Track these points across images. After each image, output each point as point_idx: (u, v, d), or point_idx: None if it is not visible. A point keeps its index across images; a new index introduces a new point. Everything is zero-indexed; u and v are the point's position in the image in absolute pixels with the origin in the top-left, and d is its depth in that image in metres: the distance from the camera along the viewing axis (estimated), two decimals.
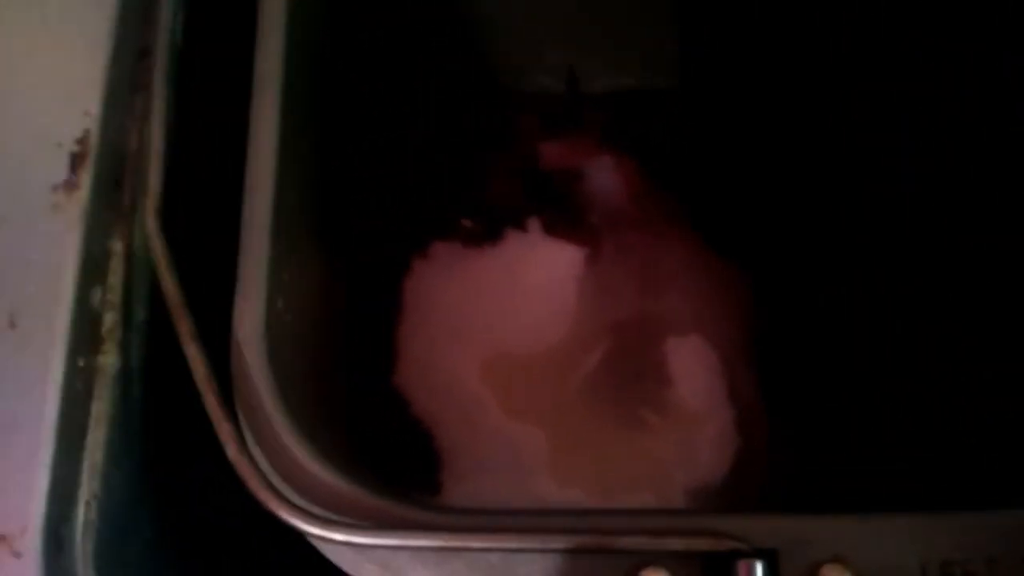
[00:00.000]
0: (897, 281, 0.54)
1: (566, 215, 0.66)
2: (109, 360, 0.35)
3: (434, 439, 0.59)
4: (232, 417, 0.34)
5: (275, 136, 0.38)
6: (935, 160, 0.51)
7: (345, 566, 0.33)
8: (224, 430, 0.33)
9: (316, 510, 0.33)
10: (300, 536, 0.33)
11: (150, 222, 0.36)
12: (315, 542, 0.33)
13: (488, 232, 0.65)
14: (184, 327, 0.34)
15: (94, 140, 0.36)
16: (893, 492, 0.49)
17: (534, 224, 0.65)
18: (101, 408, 0.34)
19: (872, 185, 0.57)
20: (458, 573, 0.33)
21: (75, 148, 0.35)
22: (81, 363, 0.34)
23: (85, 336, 0.34)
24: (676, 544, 0.33)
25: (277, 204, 0.38)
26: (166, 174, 0.38)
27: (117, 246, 0.36)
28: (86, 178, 0.35)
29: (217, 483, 0.34)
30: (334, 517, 0.33)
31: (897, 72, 0.54)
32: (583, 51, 0.67)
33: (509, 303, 0.63)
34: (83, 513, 0.33)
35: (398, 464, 0.58)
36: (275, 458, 0.34)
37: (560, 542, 0.33)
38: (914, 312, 0.53)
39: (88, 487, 0.34)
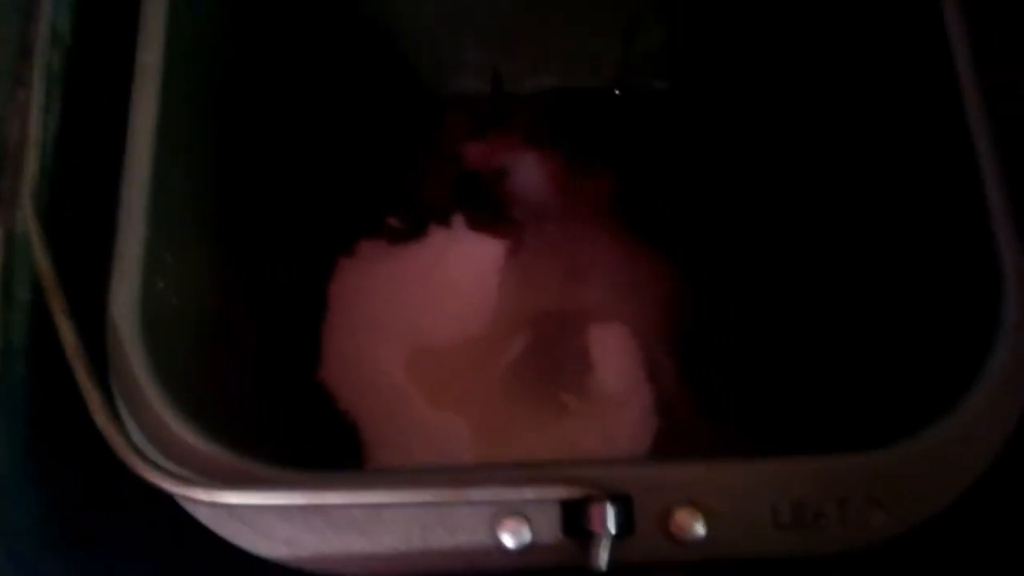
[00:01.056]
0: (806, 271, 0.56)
1: (490, 211, 0.67)
2: None
3: (359, 432, 0.60)
4: (104, 388, 0.35)
5: (153, 121, 0.40)
6: (852, 156, 0.52)
7: (214, 526, 0.34)
8: (92, 399, 0.34)
9: (181, 472, 0.34)
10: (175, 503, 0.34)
11: (26, 205, 0.37)
12: (182, 503, 0.34)
13: (413, 230, 0.66)
14: (56, 303, 0.35)
15: None
16: None
17: (458, 220, 0.66)
18: None
19: (789, 182, 0.58)
20: (322, 529, 0.34)
21: None
22: None
23: None
24: (532, 493, 0.34)
25: (157, 187, 0.40)
26: (58, 162, 0.40)
27: None
28: None
29: (102, 460, 0.35)
30: (197, 478, 0.34)
31: (820, 74, 0.55)
32: (506, 52, 0.68)
33: (433, 297, 0.64)
34: None
35: (322, 458, 0.59)
36: (146, 426, 0.36)
37: (419, 496, 0.34)
38: (814, 292, 0.54)
39: None
